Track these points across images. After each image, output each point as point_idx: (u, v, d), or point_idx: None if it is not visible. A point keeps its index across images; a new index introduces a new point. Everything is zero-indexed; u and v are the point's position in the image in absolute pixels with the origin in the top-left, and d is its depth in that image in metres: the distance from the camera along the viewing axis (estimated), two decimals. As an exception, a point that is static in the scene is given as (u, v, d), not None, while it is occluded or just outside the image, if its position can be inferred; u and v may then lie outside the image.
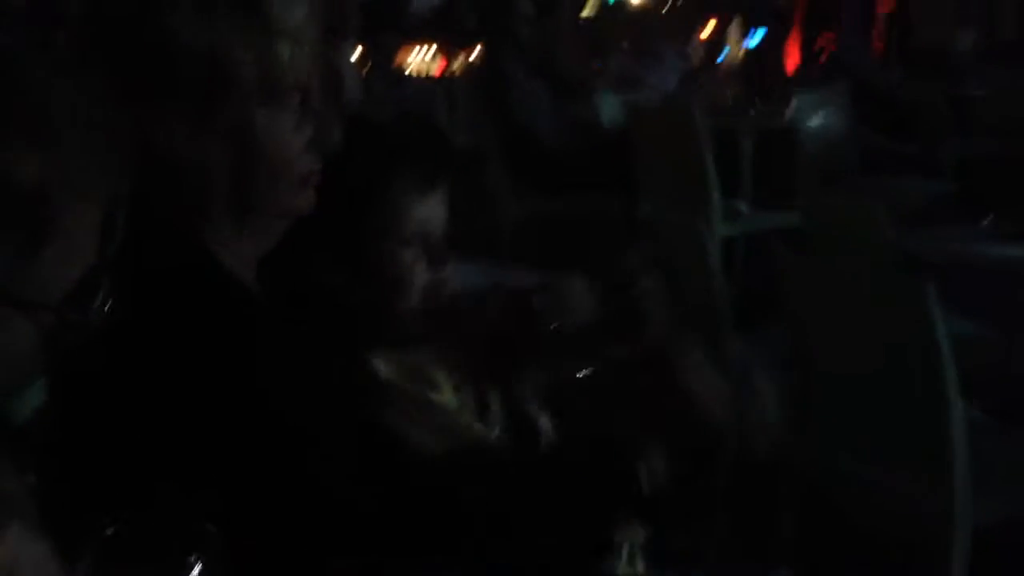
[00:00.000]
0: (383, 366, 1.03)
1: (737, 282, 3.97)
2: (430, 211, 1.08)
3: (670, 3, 6.15)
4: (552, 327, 1.09)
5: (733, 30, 8.86)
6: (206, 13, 0.88)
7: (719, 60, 8.19)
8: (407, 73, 6.97)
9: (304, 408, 0.87)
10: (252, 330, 0.89)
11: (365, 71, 5.66)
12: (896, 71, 6.83)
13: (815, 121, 4.62)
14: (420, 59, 7.18)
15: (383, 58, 6.09)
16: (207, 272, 0.91)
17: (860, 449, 1.93)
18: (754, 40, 8.15)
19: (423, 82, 6.56)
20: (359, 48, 5.63)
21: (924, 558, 1.73)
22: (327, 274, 1.06)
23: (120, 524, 0.66)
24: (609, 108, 4.51)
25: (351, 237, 1.06)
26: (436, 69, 7.09)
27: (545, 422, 1.12)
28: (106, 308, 0.66)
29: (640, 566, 1.08)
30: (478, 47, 5.64)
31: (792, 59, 6.81)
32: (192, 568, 0.63)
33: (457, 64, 6.74)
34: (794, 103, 4.61)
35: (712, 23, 8.74)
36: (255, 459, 0.82)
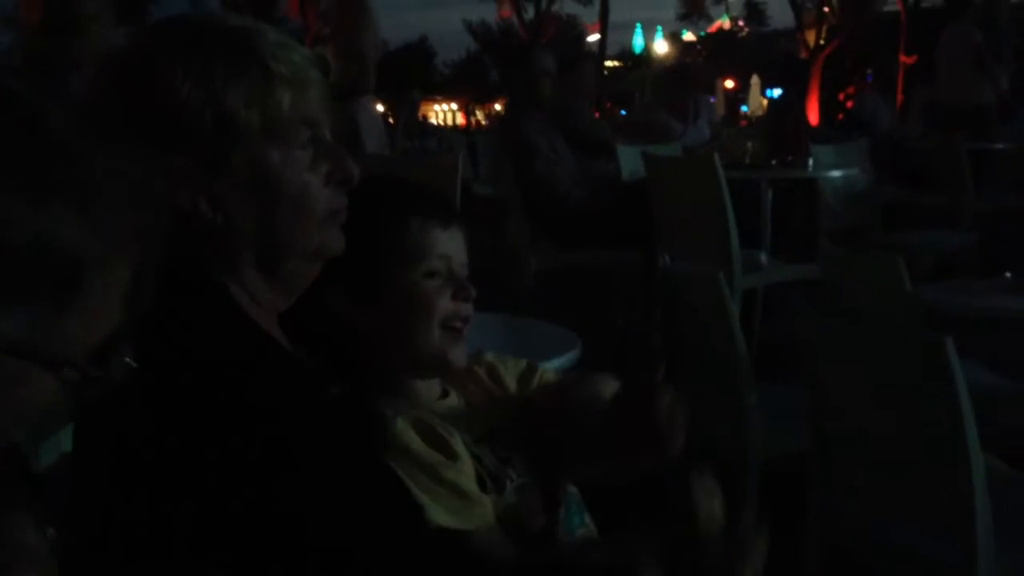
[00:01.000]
0: (402, 425, 1.03)
1: (757, 334, 3.97)
2: (451, 244, 1.10)
3: (693, 56, 6.22)
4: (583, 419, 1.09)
5: (754, 84, 8.96)
6: (205, 68, 0.90)
7: (742, 112, 8.22)
8: (432, 123, 7.08)
9: (328, 476, 0.86)
10: (285, 390, 0.89)
11: (392, 124, 5.78)
12: (917, 125, 6.86)
13: (835, 174, 4.64)
14: (444, 114, 7.31)
15: (408, 112, 6.20)
16: (237, 330, 0.91)
17: (882, 504, 1.91)
18: (775, 93, 8.22)
19: (447, 132, 6.66)
20: (381, 105, 5.74)
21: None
22: (350, 308, 1.07)
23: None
24: (629, 160, 4.55)
25: (375, 269, 1.07)
26: (461, 121, 7.21)
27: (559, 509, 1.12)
28: (129, 364, 0.66)
29: None
30: (499, 102, 5.72)
31: (813, 113, 6.84)
32: None
33: (482, 116, 6.84)
34: (813, 156, 4.64)
35: (732, 78, 8.77)
36: (272, 526, 0.81)
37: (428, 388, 1.12)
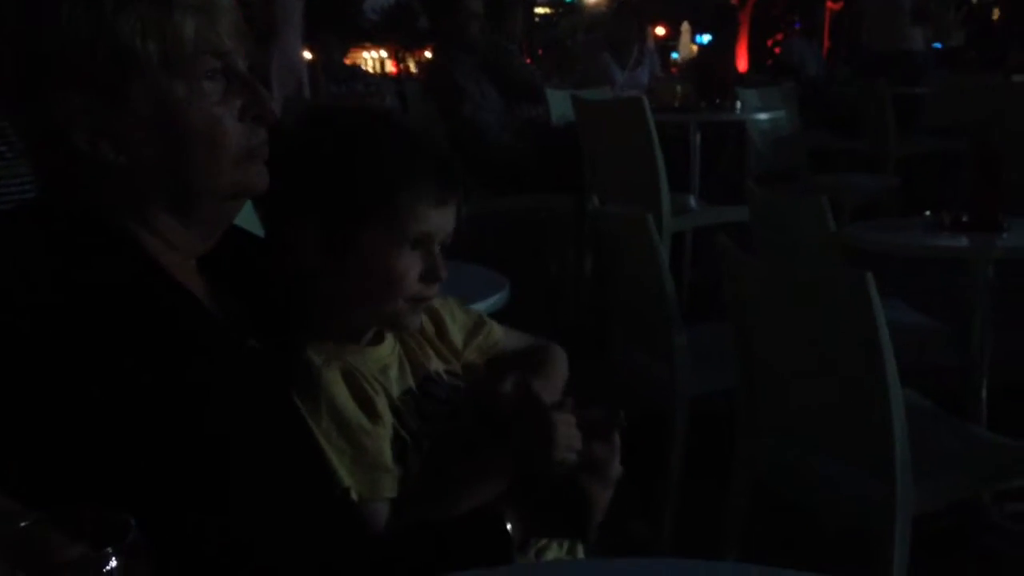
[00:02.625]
0: (331, 377, 1.00)
1: (686, 277, 4.01)
2: (439, 221, 1.04)
3: (623, 3, 6.19)
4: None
5: (684, 31, 8.98)
6: None
7: (672, 59, 8.24)
8: (360, 68, 6.94)
9: (242, 428, 0.84)
10: (195, 343, 0.86)
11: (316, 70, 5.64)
12: (844, 71, 6.94)
13: (762, 117, 4.68)
14: (372, 61, 7.15)
15: (333, 57, 6.05)
16: (147, 284, 0.87)
17: (804, 439, 1.95)
18: (704, 40, 8.24)
19: (376, 77, 6.53)
20: (309, 52, 5.60)
21: (867, 544, 1.75)
22: (316, 255, 1.02)
23: (35, 516, 0.64)
24: (559, 104, 4.52)
25: (352, 228, 1.02)
26: (391, 69, 7.06)
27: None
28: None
29: (580, 551, 1.08)
30: (429, 49, 5.63)
31: (742, 59, 6.87)
32: (108, 560, 0.61)
33: (412, 63, 6.72)
34: (740, 99, 4.67)
35: (664, 25, 8.77)
36: (179, 477, 0.79)
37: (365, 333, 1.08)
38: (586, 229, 3.93)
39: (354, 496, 0.97)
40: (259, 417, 0.88)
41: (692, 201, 3.98)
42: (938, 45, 9.79)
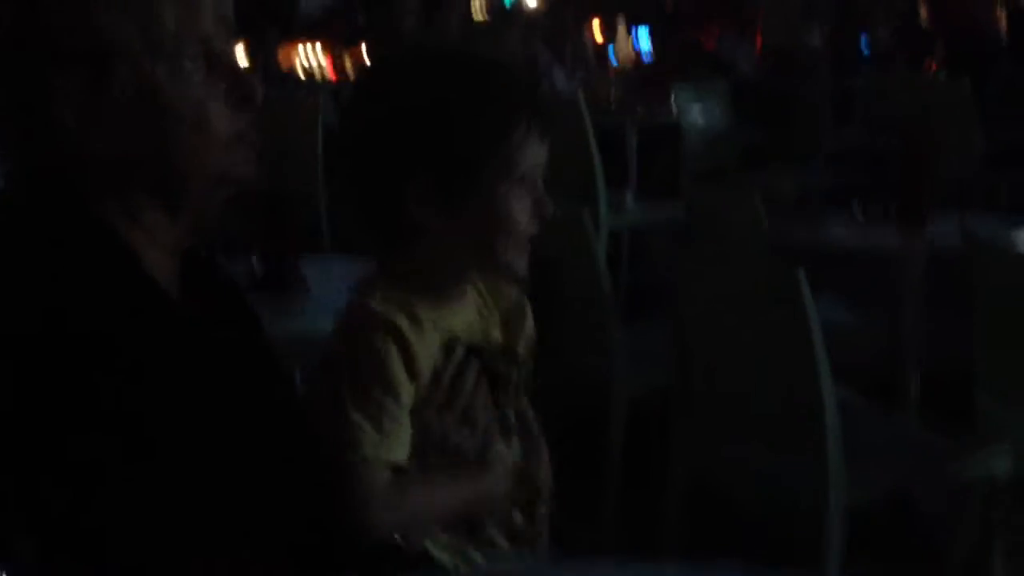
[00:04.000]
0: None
1: (624, 275, 4.03)
2: (542, 158, 1.04)
3: (559, 3, 6.22)
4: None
5: (620, 29, 9.03)
6: None
7: (611, 65, 8.30)
8: (297, 74, 6.84)
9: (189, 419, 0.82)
10: (157, 342, 0.84)
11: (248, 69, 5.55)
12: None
13: (696, 116, 4.72)
14: (308, 58, 7.05)
15: (266, 56, 5.97)
16: (121, 276, 0.86)
17: (740, 435, 1.96)
18: (640, 38, 8.31)
19: (313, 84, 6.44)
20: (240, 46, 5.49)
21: (802, 538, 1.77)
22: (428, 208, 0.99)
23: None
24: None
25: (469, 174, 0.99)
26: (328, 71, 6.97)
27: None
28: None
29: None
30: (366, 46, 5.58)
31: (675, 56, 6.94)
32: None
33: (349, 64, 6.64)
34: (675, 95, 4.71)
35: (598, 22, 8.83)
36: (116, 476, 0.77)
37: (463, 287, 1.06)
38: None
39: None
40: (218, 416, 0.86)
41: (629, 199, 4.00)
42: (865, 42, 10.01)
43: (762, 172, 4.81)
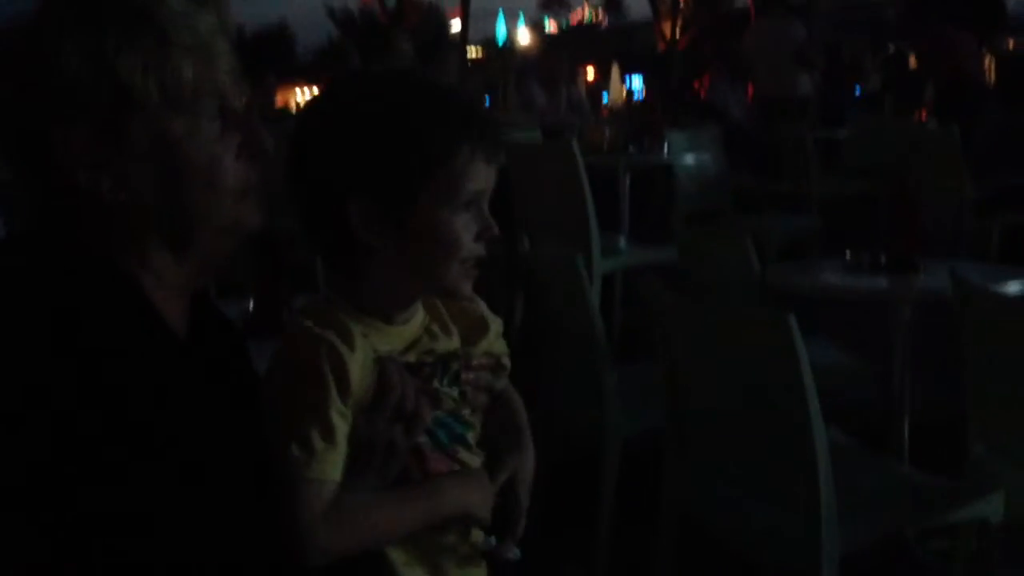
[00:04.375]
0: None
1: (617, 318, 4.04)
2: (487, 182, 1.02)
3: (556, 50, 6.32)
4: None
5: (614, 74, 9.13)
6: (95, 40, 0.86)
7: (603, 104, 8.36)
8: (292, 113, 6.90)
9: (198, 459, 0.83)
10: (164, 382, 0.85)
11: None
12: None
13: (688, 160, 4.76)
14: (305, 98, 7.13)
15: (263, 97, 6.03)
16: (132, 315, 0.88)
17: (732, 478, 1.96)
18: (634, 83, 8.40)
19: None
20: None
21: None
22: (370, 228, 0.99)
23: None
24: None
25: (409, 195, 0.99)
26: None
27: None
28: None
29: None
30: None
31: (669, 101, 7.02)
32: None
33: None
34: (668, 141, 4.75)
35: (592, 68, 8.91)
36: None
37: (412, 309, 1.06)
38: (516, 271, 3.94)
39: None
40: (214, 454, 0.87)
41: (622, 242, 4.02)
42: (859, 90, 10.13)
43: (754, 216, 4.85)
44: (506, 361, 1.12)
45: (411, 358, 1.03)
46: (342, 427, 0.96)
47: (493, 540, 1.06)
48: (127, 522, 0.78)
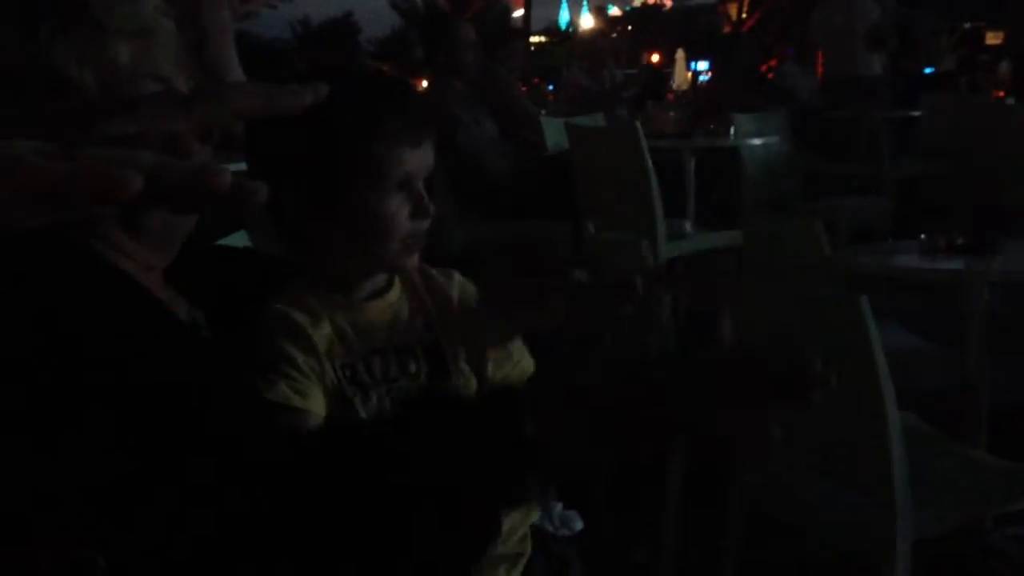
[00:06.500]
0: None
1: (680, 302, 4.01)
2: (418, 162, 1.06)
3: (619, 30, 6.30)
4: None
5: (679, 58, 9.04)
6: (32, 25, 0.85)
7: (669, 84, 8.28)
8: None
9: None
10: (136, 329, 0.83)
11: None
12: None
13: (755, 144, 4.69)
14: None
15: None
16: (101, 274, 0.87)
17: (803, 463, 1.94)
18: (699, 66, 8.29)
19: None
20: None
21: (867, 570, 1.73)
22: (303, 214, 1.04)
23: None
24: (553, 132, 4.54)
25: (333, 182, 1.03)
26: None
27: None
28: None
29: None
30: (425, 79, 5.67)
31: (736, 84, 6.93)
32: None
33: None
34: (735, 125, 4.69)
35: (659, 52, 8.82)
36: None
37: (371, 282, 1.09)
38: (582, 255, 3.94)
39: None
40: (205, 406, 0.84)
41: (687, 226, 3.98)
42: (930, 70, 9.86)
43: (824, 200, 4.77)
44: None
45: (384, 342, 1.05)
46: (313, 375, 1.00)
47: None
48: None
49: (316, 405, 0.99)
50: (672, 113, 4.81)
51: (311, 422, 0.98)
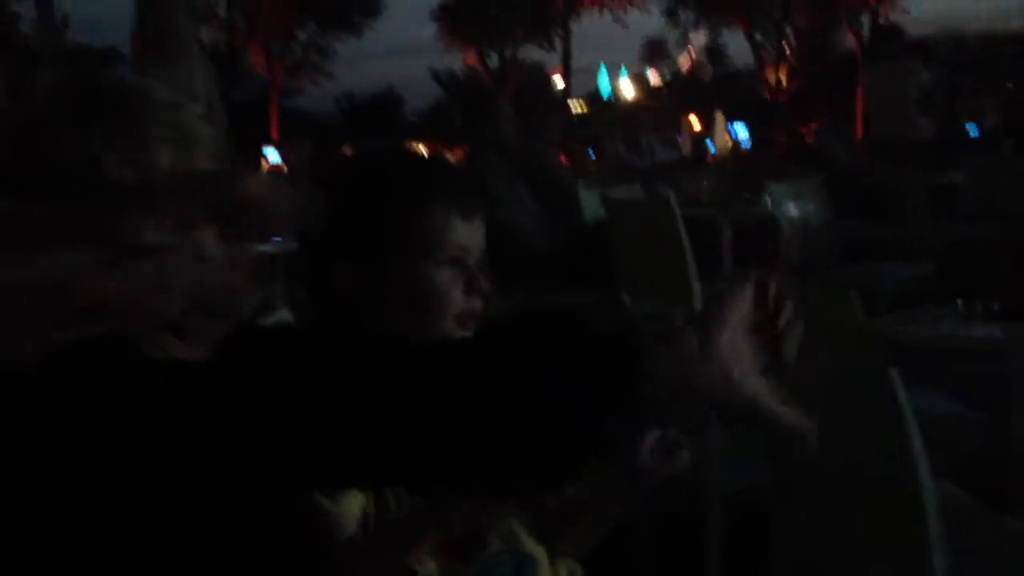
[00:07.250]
0: None
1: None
2: (469, 237, 1.07)
3: (660, 98, 6.40)
4: None
5: (719, 122, 9.11)
6: (88, 129, 0.91)
7: (709, 151, 8.32)
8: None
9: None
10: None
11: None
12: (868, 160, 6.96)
13: (791, 211, 4.70)
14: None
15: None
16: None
17: (839, 538, 1.91)
18: (739, 132, 8.35)
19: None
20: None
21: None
22: (354, 289, 1.04)
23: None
24: (591, 203, 4.59)
25: (387, 254, 1.05)
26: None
27: None
28: None
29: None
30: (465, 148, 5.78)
31: (775, 150, 6.96)
32: None
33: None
34: (770, 193, 4.70)
35: (696, 117, 8.88)
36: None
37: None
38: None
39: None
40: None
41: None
42: (974, 131, 9.79)
43: (862, 265, 4.74)
44: None
45: None
46: None
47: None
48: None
49: (351, 505, 0.99)
50: (706, 181, 4.85)
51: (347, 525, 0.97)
